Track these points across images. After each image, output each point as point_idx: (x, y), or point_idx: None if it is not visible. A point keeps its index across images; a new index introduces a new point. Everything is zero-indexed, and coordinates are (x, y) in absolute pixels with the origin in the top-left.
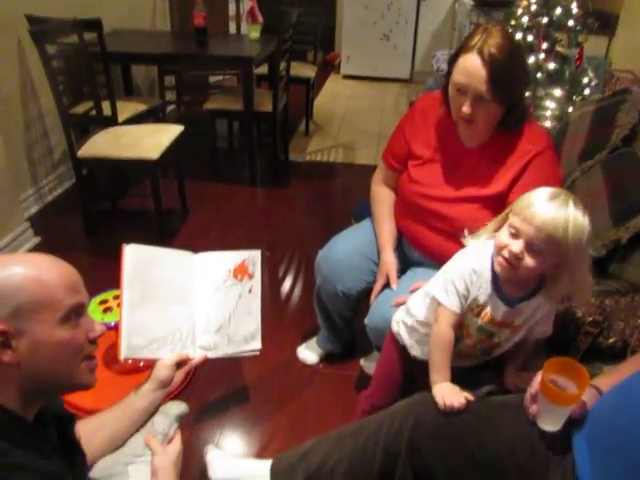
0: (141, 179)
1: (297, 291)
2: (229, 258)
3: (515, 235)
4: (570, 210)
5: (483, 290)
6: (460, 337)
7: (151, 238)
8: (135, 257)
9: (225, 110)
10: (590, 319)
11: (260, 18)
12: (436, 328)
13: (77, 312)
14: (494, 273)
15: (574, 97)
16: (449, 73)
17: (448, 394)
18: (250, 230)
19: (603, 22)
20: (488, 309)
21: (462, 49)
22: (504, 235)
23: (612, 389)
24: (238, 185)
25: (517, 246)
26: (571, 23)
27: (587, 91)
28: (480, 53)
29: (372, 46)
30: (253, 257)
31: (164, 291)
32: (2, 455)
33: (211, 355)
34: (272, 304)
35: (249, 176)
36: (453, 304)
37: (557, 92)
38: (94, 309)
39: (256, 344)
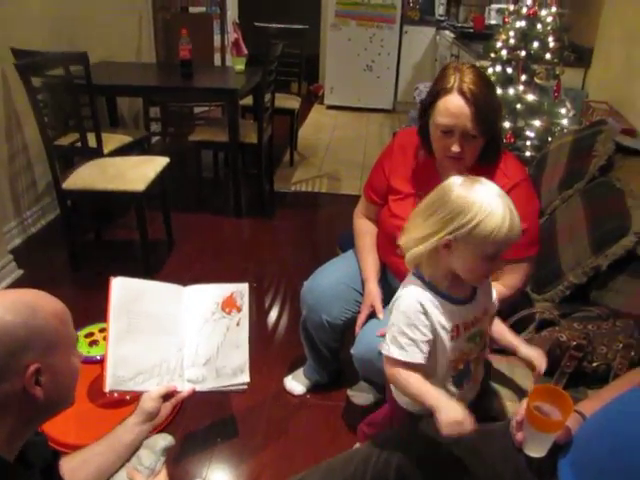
0: (126, 211)
1: (283, 322)
2: (217, 291)
3: (497, 256)
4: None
5: (443, 316)
6: (467, 371)
7: (137, 270)
8: (122, 290)
9: (210, 141)
10: (574, 343)
11: (245, 50)
12: (403, 384)
13: (77, 342)
14: (441, 295)
15: (552, 128)
16: (425, 116)
17: (454, 419)
18: (236, 261)
19: (579, 55)
20: (461, 322)
21: (440, 92)
22: (481, 264)
23: (595, 414)
24: (223, 216)
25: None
26: (548, 56)
27: (565, 121)
28: (461, 92)
29: (355, 77)
30: (241, 290)
31: (151, 324)
32: None
33: (199, 388)
34: (258, 335)
35: (234, 207)
36: (415, 357)
37: (536, 123)
38: (80, 342)
39: (244, 377)
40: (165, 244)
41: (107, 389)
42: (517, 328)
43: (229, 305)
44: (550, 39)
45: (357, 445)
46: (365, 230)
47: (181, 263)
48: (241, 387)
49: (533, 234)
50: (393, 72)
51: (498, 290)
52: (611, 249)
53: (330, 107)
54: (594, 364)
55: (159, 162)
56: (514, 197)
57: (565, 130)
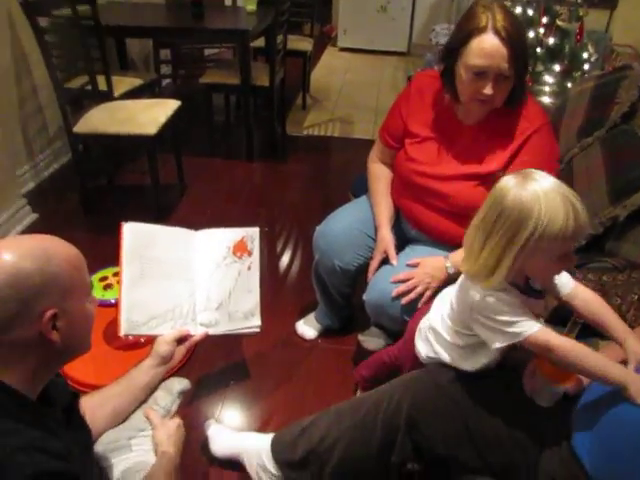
0: (138, 154)
1: (295, 266)
2: (228, 236)
3: (567, 253)
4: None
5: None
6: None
7: (149, 214)
8: (134, 235)
9: (222, 84)
10: None
11: None
12: (560, 347)
13: (91, 288)
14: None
15: (573, 73)
16: (451, 59)
17: None
18: (248, 205)
19: None
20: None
21: (472, 32)
22: (555, 266)
23: None
24: (235, 160)
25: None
26: None
27: (586, 66)
28: (496, 32)
29: (369, 18)
30: (252, 234)
31: (163, 268)
32: (9, 434)
33: (212, 332)
34: (271, 279)
35: (246, 151)
36: (533, 326)
37: (556, 67)
38: (95, 286)
39: (256, 321)
40: (177, 188)
41: (121, 333)
42: None
43: (240, 249)
44: None
45: (358, 393)
46: (380, 175)
47: (193, 207)
48: (253, 330)
49: None
50: (408, 13)
51: None
52: (630, 199)
53: (343, 49)
54: None
55: (170, 105)
56: (535, 142)
57: (586, 75)
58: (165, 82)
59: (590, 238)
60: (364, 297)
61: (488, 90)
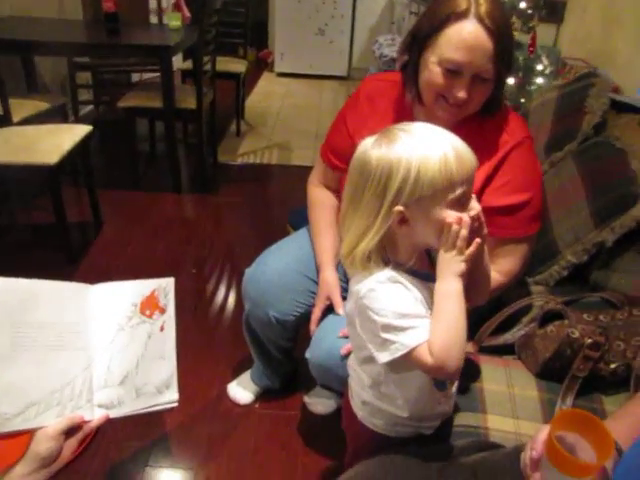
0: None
1: (227, 315)
2: (134, 289)
3: (464, 201)
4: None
5: (421, 292)
6: None
7: (56, 257)
8: (3, 294)
9: (143, 107)
10: (590, 341)
11: (187, 12)
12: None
13: None
14: (412, 273)
15: (527, 86)
16: (418, 48)
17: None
18: (174, 243)
19: (551, 9)
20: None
21: (449, 17)
22: (451, 213)
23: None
24: (161, 193)
25: (477, 204)
26: (523, 5)
27: (540, 80)
28: (480, 19)
29: (307, 42)
30: (165, 286)
31: (46, 337)
32: None
33: (114, 414)
34: (197, 332)
35: (173, 182)
36: (420, 335)
37: (510, 81)
38: None
39: (171, 394)
40: (91, 226)
41: None
42: (512, 319)
43: (150, 306)
44: None
45: None
46: (322, 201)
47: (110, 247)
48: (168, 406)
49: (536, 206)
50: (347, 36)
51: (492, 277)
52: (618, 221)
53: (281, 74)
54: (612, 365)
55: (77, 131)
56: (516, 159)
57: (547, 85)
58: (87, 109)
59: (572, 268)
60: (307, 355)
61: (462, 93)
